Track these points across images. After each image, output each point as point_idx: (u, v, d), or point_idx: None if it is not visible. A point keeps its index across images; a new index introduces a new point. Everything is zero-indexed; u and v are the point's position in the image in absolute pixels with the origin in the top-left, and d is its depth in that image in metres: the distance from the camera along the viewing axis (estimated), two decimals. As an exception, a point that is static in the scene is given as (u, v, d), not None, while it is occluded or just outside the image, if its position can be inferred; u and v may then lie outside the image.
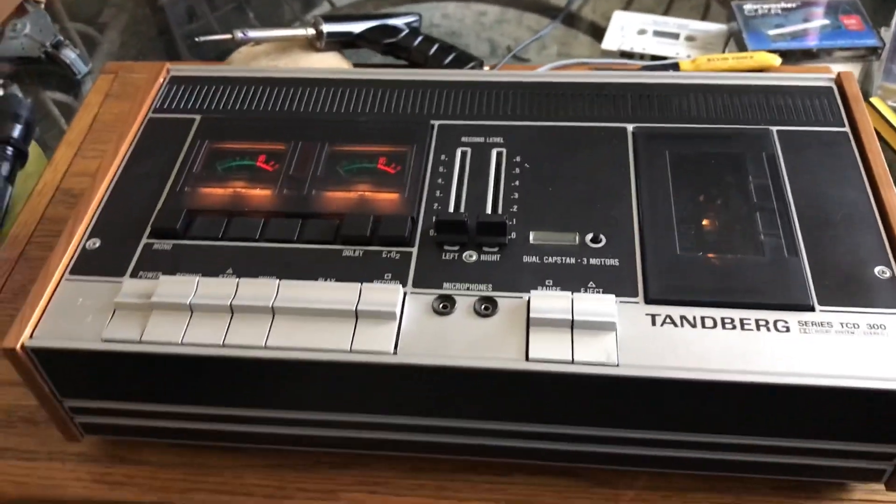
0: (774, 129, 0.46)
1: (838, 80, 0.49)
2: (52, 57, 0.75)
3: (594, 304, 0.38)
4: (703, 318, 0.38)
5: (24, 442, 0.46)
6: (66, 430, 0.43)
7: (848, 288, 0.39)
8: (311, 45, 0.65)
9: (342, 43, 0.66)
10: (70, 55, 0.74)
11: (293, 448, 0.44)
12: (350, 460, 0.44)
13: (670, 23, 0.73)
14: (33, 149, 0.66)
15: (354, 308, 0.38)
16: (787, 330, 0.37)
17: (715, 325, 0.38)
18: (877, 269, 0.39)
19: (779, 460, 0.39)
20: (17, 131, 0.63)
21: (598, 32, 0.77)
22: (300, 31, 0.64)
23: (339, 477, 0.44)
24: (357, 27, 0.65)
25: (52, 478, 0.45)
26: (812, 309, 0.38)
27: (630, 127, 0.47)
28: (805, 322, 0.38)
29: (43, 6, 0.80)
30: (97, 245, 0.43)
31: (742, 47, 0.69)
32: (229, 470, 0.44)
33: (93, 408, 0.42)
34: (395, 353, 0.38)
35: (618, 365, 0.36)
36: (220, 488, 0.44)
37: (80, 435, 0.44)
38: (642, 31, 0.73)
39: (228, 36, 0.61)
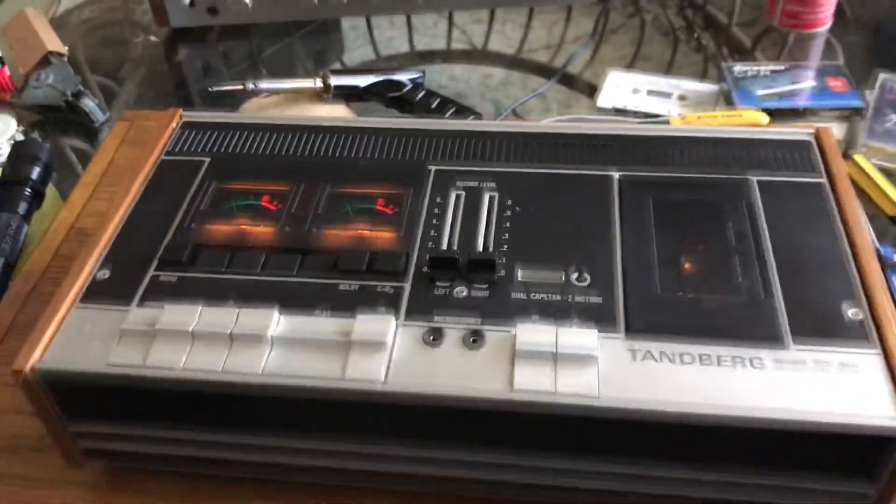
0: (754, 178, 0.49)
1: (817, 134, 0.52)
2: (73, 105, 0.78)
3: (577, 338, 0.40)
4: (681, 354, 0.40)
5: (27, 469, 0.48)
6: (68, 455, 0.45)
7: (821, 328, 0.40)
8: (319, 96, 0.68)
9: (348, 96, 0.69)
10: (89, 104, 0.78)
11: (286, 479, 0.45)
12: (345, 492, 0.45)
13: (663, 83, 0.76)
14: (49, 191, 0.69)
15: (348, 339, 0.40)
16: (762, 367, 0.39)
17: (693, 361, 0.39)
18: (850, 311, 0.41)
19: (755, 499, 0.40)
20: (35, 173, 0.66)
21: (597, 93, 0.80)
22: (308, 84, 0.67)
23: (331, 508, 0.45)
24: (363, 81, 0.68)
25: (53, 503, 0.46)
26: (786, 347, 0.40)
27: (616, 174, 0.49)
28: (779, 360, 0.39)
29: (66, 59, 0.84)
30: (107, 275, 0.45)
31: (732, 107, 0.72)
32: (226, 499, 0.46)
33: (95, 432, 0.44)
34: (385, 381, 0.39)
35: (598, 397, 0.38)
36: (215, 516, 0.45)
37: (82, 461, 0.45)
38: (636, 90, 0.76)
39: (240, 86, 0.64)
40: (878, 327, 0.40)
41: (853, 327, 0.40)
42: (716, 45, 0.89)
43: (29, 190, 0.65)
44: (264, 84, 0.65)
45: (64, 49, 0.84)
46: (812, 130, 0.52)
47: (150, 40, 0.94)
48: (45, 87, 0.79)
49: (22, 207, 0.64)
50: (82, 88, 0.79)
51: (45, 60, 0.82)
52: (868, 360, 0.39)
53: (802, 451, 0.38)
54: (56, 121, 0.82)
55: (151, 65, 0.94)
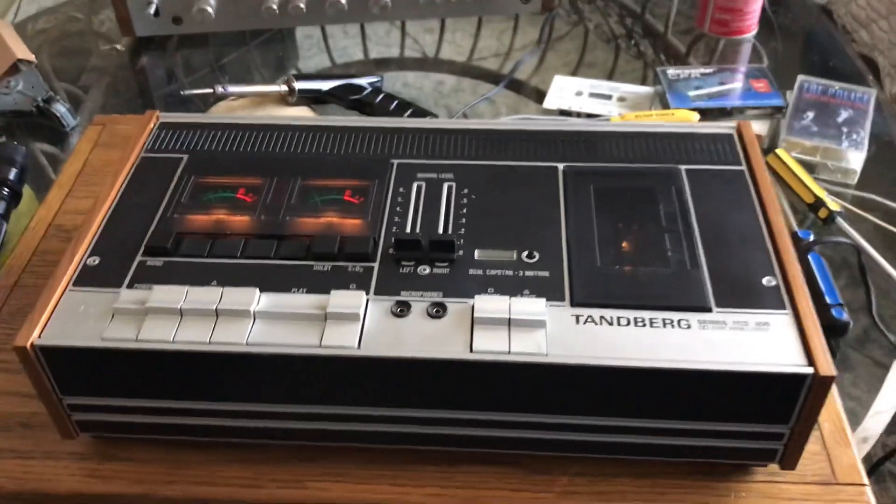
0: (683, 167, 0.54)
1: (738, 129, 0.58)
2: (44, 111, 0.81)
3: (528, 305, 0.45)
4: (618, 318, 0.45)
5: (20, 444, 0.51)
6: (62, 428, 0.48)
7: (740, 294, 0.46)
8: (284, 100, 0.72)
9: (312, 99, 0.74)
10: (61, 109, 0.81)
11: (267, 442, 0.49)
12: (316, 454, 0.50)
13: (604, 86, 0.82)
14: (25, 191, 0.72)
15: (324, 311, 0.45)
16: (689, 327, 0.44)
17: (629, 323, 0.45)
18: (764, 279, 0.47)
19: (685, 443, 0.46)
20: (12, 174, 0.69)
21: (543, 98, 0.86)
22: (274, 88, 0.71)
23: (307, 469, 0.49)
24: (325, 85, 0.73)
25: (46, 474, 0.50)
26: (710, 310, 0.45)
27: (561, 166, 0.55)
28: (704, 321, 0.45)
29: (34, 66, 0.87)
30: (97, 262, 0.49)
31: (666, 107, 0.78)
32: (208, 464, 0.50)
33: (89, 405, 0.47)
34: (358, 347, 0.44)
35: (547, 355, 0.43)
36: (199, 480, 0.49)
37: (76, 433, 0.49)
38: (579, 93, 0.82)
39: (210, 90, 0.68)
40: (790, 293, 0.46)
41: (768, 293, 0.46)
42: (654, 51, 0.96)
43: (7, 190, 0.69)
44: (233, 88, 0.69)
45: (32, 57, 0.87)
46: (734, 125, 0.58)
47: (117, 49, 0.98)
48: (15, 93, 0.82)
49: (1, 207, 0.67)
50: (53, 94, 0.82)
51: (14, 68, 0.85)
52: (780, 320, 0.45)
53: (725, 398, 0.44)
54: (26, 126, 0.85)
55: (115, 73, 0.97)
